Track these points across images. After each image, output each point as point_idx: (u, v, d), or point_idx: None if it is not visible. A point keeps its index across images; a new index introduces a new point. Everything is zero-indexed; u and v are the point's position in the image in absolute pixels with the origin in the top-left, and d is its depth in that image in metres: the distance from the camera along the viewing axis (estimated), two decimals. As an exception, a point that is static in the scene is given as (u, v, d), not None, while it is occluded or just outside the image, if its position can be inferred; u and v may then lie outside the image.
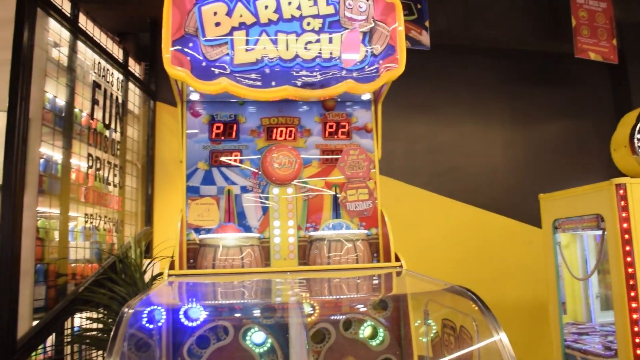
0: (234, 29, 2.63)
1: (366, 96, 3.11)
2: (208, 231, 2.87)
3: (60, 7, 3.35)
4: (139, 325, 2.23)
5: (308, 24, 2.69)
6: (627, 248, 3.05)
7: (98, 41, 3.88)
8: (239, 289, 2.67)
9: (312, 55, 2.68)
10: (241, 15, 2.64)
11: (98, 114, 3.87)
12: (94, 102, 3.81)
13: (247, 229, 2.91)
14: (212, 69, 2.60)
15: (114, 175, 4.13)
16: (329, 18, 2.71)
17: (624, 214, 3.09)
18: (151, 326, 2.35)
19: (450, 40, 5.32)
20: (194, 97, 3.00)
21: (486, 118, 5.67)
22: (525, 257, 5.08)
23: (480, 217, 5.37)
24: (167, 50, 2.56)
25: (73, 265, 3.48)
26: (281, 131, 3.08)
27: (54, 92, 3.33)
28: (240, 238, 2.80)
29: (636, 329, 3.01)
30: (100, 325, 3.35)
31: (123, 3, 4.62)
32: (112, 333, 1.69)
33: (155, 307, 2.30)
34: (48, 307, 3.12)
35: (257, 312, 2.67)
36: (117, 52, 4.28)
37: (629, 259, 3.05)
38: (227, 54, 2.62)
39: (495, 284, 5.18)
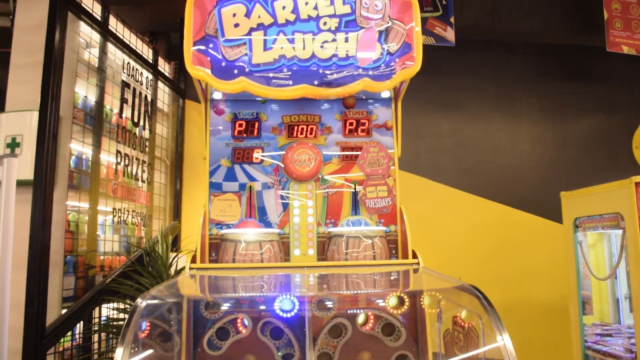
0: (252, 29, 2.69)
1: (386, 94, 3.13)
2: (230, 226, 2.94)
3: (90, 11, 3.48)
4: (158, 314, 2.33)
5: (324, 23, 2.73)
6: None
7: (127, 42, 4.01)
8: (258, 282, 2.74)
9: (329, 54, 2.73)
10: (259, 16, 2.70)
11: (127, 113, 4.01)
12: (123, 101, 3.94)
13: (268, 224, 2.98)
14: (232, 68, 2.68)
15: (143, 171, 4.27)
16: (345, 17, 2.75)
17: (644, 213, 3.04)
18: (170, 316, 2.44)
19: (477, 35, 5.28)
20: (217, 95, 3.08)
21: (513, 114, 5.61)
22: (552, 255, 5.01)
23: (506, 214, 5.33)
24: (189, 51, 2.64)
25: (102, 257, 3.62)
26: (302, 129, 3.13)
27: (84, 92, 3.47)
28: (260, 233, 2.87)
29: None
30: (126, 316, 3.48)
31: (154, 3, 4.75)
32: (125, 322, 1.78)
33: (175, 298, 2.39)
34: (77, 296, 3.27)
35: (275, 306, 2.73)
36: (147, 52, 4.41)
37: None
38: (246, 54, 2.69)
39: (521, 281, 5.14)
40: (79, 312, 3.19)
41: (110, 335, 3.53)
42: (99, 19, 3.61)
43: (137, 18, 4.44)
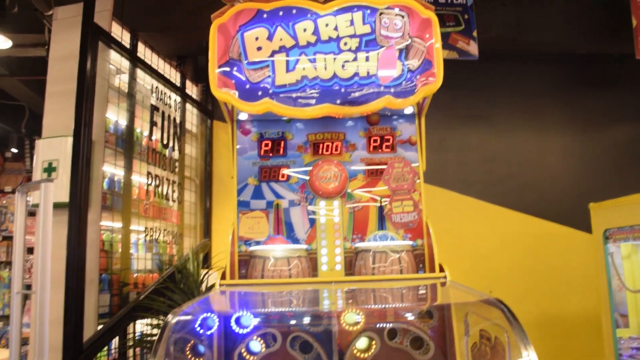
0: (274, 52, 2.78)
1: (409, 110, 3.17)
2: (258, 243, 3.00)
3: (120, 39, 3.63)
4: (189, 329, 2.39)
5: (345, 43, 2.80)
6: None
7: (156, 67, 4.16)
8: (287, 298, 2.79)
9: (350, 74, 2.79)
10: (281, 39, 2.79)
11: (157, 135, 4.13)
12: (153, 124, 4.07)
13: (295, 241, 3.03)
14: (256, 90, 2.76)
15: (173, 191, 4.38)
16: (366, 37, 2.82)
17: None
18: (201, 331, 2.50)
19: (501, 47, 5.28)
20: (243, 116, 3.16)
21: (541, 125, 5.58)
22: (584, 266, 4.94)
23: (536, 226, 5.27)
24: (214, 74, 2.74)
25: (135, 275, 3.73)
26: (327, 146, 3.19)
27: (115, 117, 3.60)
28: (288, 250, 2.92)
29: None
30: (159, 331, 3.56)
31: (180, 30, 4.90)
32: (157, 336, 1.84)
33: (205, 313, 2.45)
34: (112, 313, 3.38)
35: (304, 321, 2.77)
36: (175, 76, 4.55)
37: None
38: (269, 76, 2.77)
39: (553, 293, 5.08)
40: (114, 328, 3.29)
41: (145, 350, 3.61)
42: (128, 46, 3.75)
43: (164, 43, 4.59)
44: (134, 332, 3.57)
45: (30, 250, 3.79)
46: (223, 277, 2.87)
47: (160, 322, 3.56)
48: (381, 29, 2.83)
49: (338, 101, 2.81)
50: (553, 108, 5.62)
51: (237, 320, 2.75)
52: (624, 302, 3.83)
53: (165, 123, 4.29)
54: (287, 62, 2.79)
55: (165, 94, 4.33)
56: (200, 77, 5.12)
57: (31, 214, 3.28)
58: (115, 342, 3.40)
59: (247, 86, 2.77)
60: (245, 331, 2.75)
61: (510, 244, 5.18)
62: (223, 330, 2.75)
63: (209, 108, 5.17)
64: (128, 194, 3.70)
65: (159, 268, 4.00)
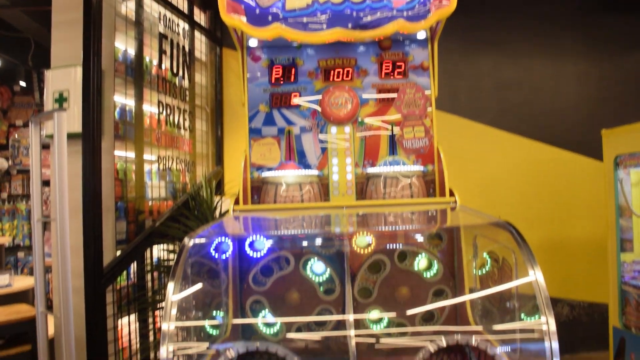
0: (285, -26, 2.71)
1: (422, 34, 3.11)
2: (270, 170, 3.04)
3: (125, -38, 3.53)
4: (205, 253, 2.47)
5: (357, -36, 2.72)
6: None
7: (162, -6, 4.06)
8: (299, 222, 2.86)
9: (362, -4, 2.73)
10: (291, -40, 2.71)
11: (166, 63, 4.10)
12: (162, 52, 4.02)
13: (307, 166, 3.07)
14: (266, 15, 2.71)
15: (184, 119, 4.39)
16: (378, -43, 2.73)
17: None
18: (216, 255, 2.59)
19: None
20: (253, 43, 3.12)
21: (557, 51, 5.44)
22: (593, 194, 4.97)
23: (548, 153, 5.26)
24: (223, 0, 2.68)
25: (150, 203, 3.81)
26: (338, 72, 3.16)
27: (124, 45, 3.56)
28: (300, 175, 2.96)
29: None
30: (175, 256, 3.68)
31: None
32: (174, 260, 1.91)
33: (220, 237, 2.52)
34: (129, 239, 3.48)
35: (316, 244, 2.85)
36: (182, 3, 4.45)
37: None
38: (279, 0, 2.71)
39: (562, 219, 5.14)
40: (132, 253, 3.40)
41: (162, 274, 3.74)
42: (134, -29, 3.66)
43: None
44: (151, 258, 3.68)
45: (45, 184, 3.85)
46: (236, 202, 2.93)
47: (176, 247, 3.67)
48: (394, -53, 2.74)
49: (349, 25, 2.76)
50: (569, 33, 5.46)
51: (251, 244, 2.83)
52: (629, 229, 3.88)
53: (174, 51, 4.23)
54: (298, -16, 2.73)
55: (173, 21, 4.25)
56: (208, 3, 5.01)
57: (44, 147, 3.31)
58: (133, 267, 3.52)
59: (257, 11, 2.72)
60: (259, 255, 2.84)
61: (520, 170, 5.20)
62: (237, 254, 2.84)
63: (218, 35, 5.08)
64: (140, 123, 3.71)
65: (172, 196, 4.07)
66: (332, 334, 2.60)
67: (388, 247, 2.86)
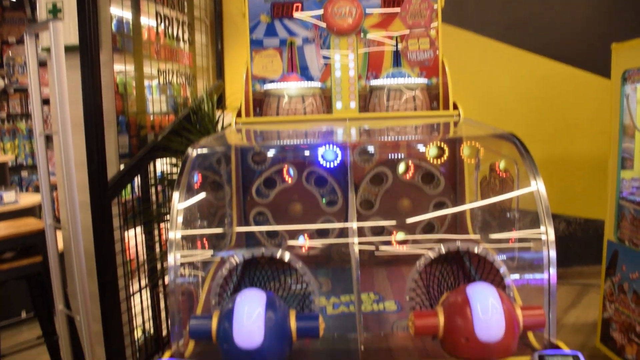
0: None
1: (429, -61, 2.97)
2: (272, 82, 3.00)
3: None
4: (208, 165, 2.48)
5: None
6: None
7: None
8: (302, 133, 2.85)
9: None
10: None
11: (163, -28, 3.95)
12: (158, -39, 3.87)
13: (309, 78, 3.02)
14: None
15: (183, 31, 4.28)
16: None
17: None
18: (219, 167, 2.60)
19: None
20: (254, -52, 2.98)
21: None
22: (597, 111, 4.92)
23: (552, 68, 5.17)
24: None
25: (151, 117, 3.79)
26: (341, -19, 3.04)
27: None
28: (302, 87, 2.92)
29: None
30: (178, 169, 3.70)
31: None
32: (179, 170, 1.91)
33: (223, 147, 2.53)
34: (132, 154, 3.49)
35: (318, 155, 2.86)
36: None
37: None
38: None
39: (564, 136, 5.13)
40: (136, 167, 3.42)
41: (166, 188, 3.79)
42: None
43: None
44: (155, 172, 3.71)
45: (45, 102, 3.81)
46: (238, 115, 2.91)
47: (179, 161, 3.68)
48: None
49: None
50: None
51: (254, 156, 2.84)
52: (631, 147, 3.87)
53: (171, -40, 4.08)
54: None
55: None
56: None
57: (41, 64, 3.24)
58: (137, 180, 3.56)
59: None
60: (261, 167, 2.85)
61: (525, 86, 5.13)
62: (240, 166, 2.85)
63: (215, -56, 4.88)
64: (138, 35, 3.62)
65: (174, 110, 4.05)
66: (335, 241, 2.66)
67: (390, 160, 2.87)
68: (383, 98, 2.89)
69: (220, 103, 4.56)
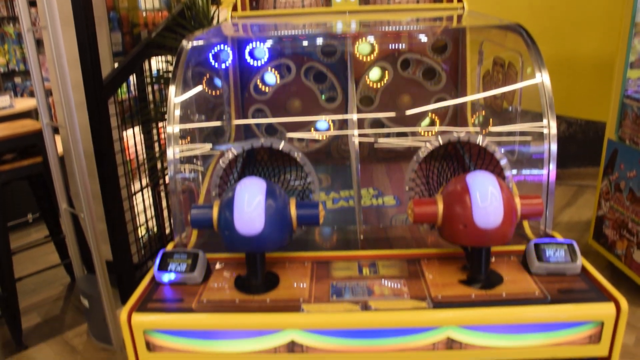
0: None
1: None
2: (268, -27, 2.85)
3: None
4: (204, 60, 2.41)
5: None
6: None
7: None
8: (300, 27, 2.75)
9: None
10: None
11: None
12: None
13: (307, -30, 2.87)
14: None
15: None
16: None
17: None
18: (216, 64, 2.53)
19: None
20: None
21: None
22: (607, 10, 4.74)
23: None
24: None
25: (144, 14, 3.65)
26: None
27: None
28: (300, -21, 2.79)
29: None
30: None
31: None
32: (174, 63, 1.86)
33: (219, 39, 2.44)
34: (126, 51, 3.40)
35: (317, 50, 2.78)
36: None
37: None
38: None
39: (573, 34, 4.98)
40: (130, 65, 3.34)
41: (163, 87, 3.72)
42: None
43: None
44: (150, 70, 3.62)
45: (32, 4, 3.64)
46: (234, 9, 2.79)
47: (175, 58, 3.59)
48: None
49: None
50: None
51: (251, 52, 2.76)
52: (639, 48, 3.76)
53: None
54: None
55: None
56: None
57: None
58: (133, 79, 3.49)
59: None
60: (259, 63, 2.78)
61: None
62: (237, 62, 2.78)
63: None
64: None
65: (167, 6, 3.89)
66: (335, 133, 2.65)
67: (391, 54, 2.79)
68: (385, -11, 2.76)
69: (216, -1, 4.38)
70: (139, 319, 1.56)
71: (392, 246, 1.98)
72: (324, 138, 2.71)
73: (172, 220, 2.84)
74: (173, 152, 1.97)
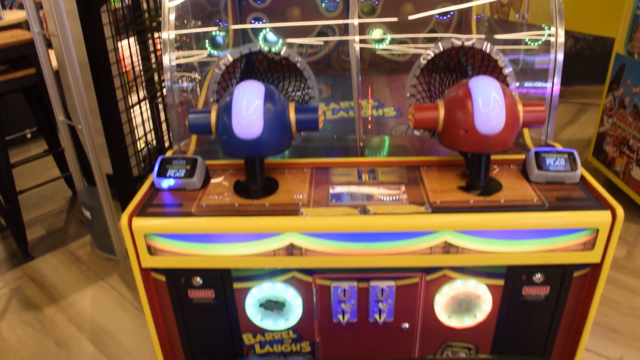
0: None
1: None
2: None
3: None
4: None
5: None
6: None
7: None
8: None
9: None
10: None
11: None
12: None
13: None
14: None
15: None
16: None
17: None
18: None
19: None
20: None
21: None
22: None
23: None
24: None
25: None
26: None
27: None
28: None
29: None
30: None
31: None
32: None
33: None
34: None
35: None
36: None
37: None
38: None
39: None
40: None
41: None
42: None
43: None
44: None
45: None
46: None
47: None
48: None
49: None
50: None
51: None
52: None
53: None
54: None
55: None
56: None
57: None
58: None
59: None
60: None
61: None
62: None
63: None
64: None
65: None
66: (336, 38, 2.57)
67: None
68: None
69: None
70: (140, 223, 1.58)
71: (392, 154, 1.97)
72: (324, 44, 2.63)
73: (170, 132, 2.82)
74: (169, 59, 1.92)
